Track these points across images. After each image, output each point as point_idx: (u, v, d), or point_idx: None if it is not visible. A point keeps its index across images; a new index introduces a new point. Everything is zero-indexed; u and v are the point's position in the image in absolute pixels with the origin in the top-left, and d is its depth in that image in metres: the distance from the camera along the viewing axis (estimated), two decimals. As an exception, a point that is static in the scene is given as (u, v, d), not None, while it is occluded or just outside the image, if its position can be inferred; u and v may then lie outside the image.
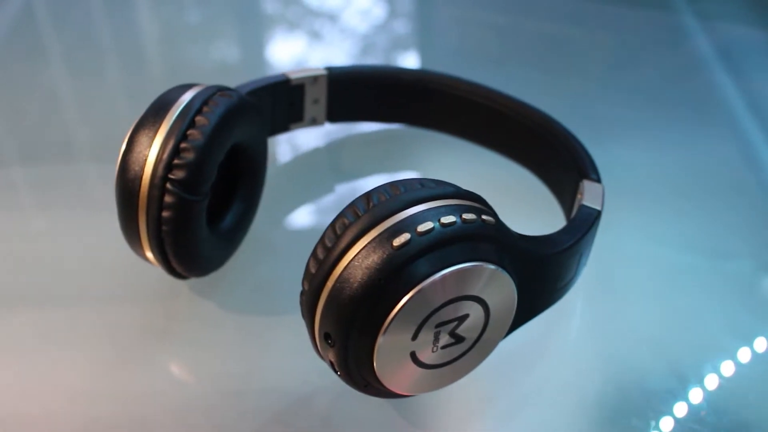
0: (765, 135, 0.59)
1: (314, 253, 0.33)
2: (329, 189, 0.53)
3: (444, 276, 0.31)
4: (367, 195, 0.33)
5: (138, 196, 0.37)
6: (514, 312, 0.35)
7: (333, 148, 0.55)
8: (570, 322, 0.42)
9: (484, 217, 0.33)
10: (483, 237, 0.33)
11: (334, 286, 0.32)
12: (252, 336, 0.42)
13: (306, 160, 0.54)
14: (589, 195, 0.41)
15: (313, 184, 0.53)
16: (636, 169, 0.54)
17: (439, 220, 0.32)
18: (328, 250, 0.32)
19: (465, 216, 0.32)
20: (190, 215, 0.38)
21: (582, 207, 0.40)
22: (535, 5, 0.80)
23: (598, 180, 0.42)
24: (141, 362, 0.41)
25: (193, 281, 0.44)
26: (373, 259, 0.31)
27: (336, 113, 0.52)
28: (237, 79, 0.47)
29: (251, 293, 0.44)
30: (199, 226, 0.39)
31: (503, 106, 0.48)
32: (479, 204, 0.34)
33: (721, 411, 0.39)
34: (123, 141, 0.39)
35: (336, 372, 0.34)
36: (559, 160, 0.45)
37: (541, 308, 0.38)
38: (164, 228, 0.37)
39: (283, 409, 0.38)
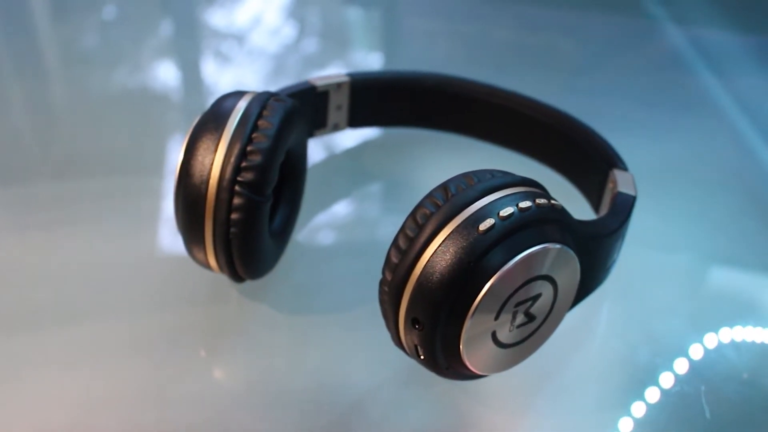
0: (754, 130, 0.64)
1: (395, 244, 0.35)
2: (348, 193, 0.54)
3: (524, 257, 0.34)
4: (444, 186, 0.35)
5: (205, 200, 0.38)
6: (576, 289, 0.38)
7: (354, 151, 0.57)
8: (611, 303, 0.45)
9: (552, 201, 0.35)
10: (552, 219, 0.35)
11: (422, 272, 0.33)
12: (309, 335, 0.43)
13: (326, 164, 0.56)
14: (621, 182, 0.44)
15: (334, 187, 0.54)
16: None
17: (517, 206, 0.34)
18: (411, 240, 0.34)
19: (538, 201, 0.35)
20: (257, 216, 0.39)
21: (619, 194, 0.43)
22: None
23: (626, 168, 0.45)
24: (203, 367, 0.42)
25: (238, 286, 0.45)
26: (461, 244, 0.33)
27: (357, 119, 0.54)
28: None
29: (297, 294, 0.46)
30: (264, 228, 0.40)
31: (522, 106, 0.51)
32: (542, 190, 0.36)
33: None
34: (180, 150, 0.40)
35: (418, 356, 0.35)
36: (584, 154, 0.48)
37: (592, 288, 0.41)
38: (233, 230, 0.39)
39: (356, 401, 0.40)
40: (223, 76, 0.68)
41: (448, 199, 0.35)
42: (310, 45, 0.75)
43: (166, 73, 0.67)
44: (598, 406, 0.40)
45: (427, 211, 0.34)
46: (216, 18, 0.78)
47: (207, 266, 0.41)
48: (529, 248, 0.34)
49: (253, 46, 0.72)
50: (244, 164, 0.38)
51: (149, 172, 0.55)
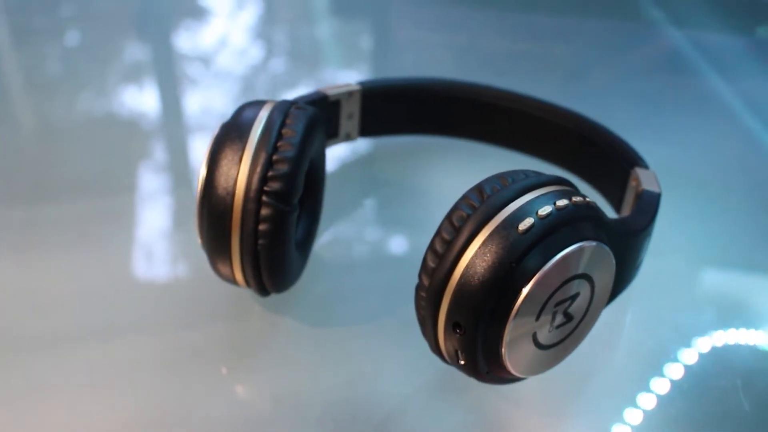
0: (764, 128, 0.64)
1: (432, 248, 0.34)
2: (361, 202, 0.54)
3: (564, 255, 0.33)
4: (479, 187, 0.35)
5: (231, 211, 0.38)
6: (611, 288, 0.37)
7: (365, 160, 0.56)
8: (636, 301, 0.45)
9: (587, 199, 0.35)
10: (588, 217, 0.35)
11: (462, 275, 0.33)
12: (336, 347, 0.42)
13: (337, 173, 0.55)
14: (645, 180, 0.43)
15: (347, 197, 0.54)
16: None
17: (554, 204, 0.34)
18: (449, 243, 0.34)
19: (574, 199, 0.34)
20: (285, 227, 0.38)
21: (644, 192, 0.42)
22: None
23: (647, 167, 0.45)
24: (230, 386, 0.41)
25: (259, 300, 0.44)
26: (502, 244, 0.33)
27: (369, 127, 0.53)
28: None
29: (320, 306, 0.45)
30: (291, 239, 0.39)
31: (536, 109, 0.51)
32: (575, 188, 0.36)
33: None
34: (203, 162, 0.39)
35: (458, 362, 0.35)
36: (603, 153, 0.48)
37: (624, 287, 0.41)
38: (261, 242, 0.38)
39: (391, 412, 0.39)
40: (191, 99, 0.67)
41: (483, 200, 0.34)
42: (279, 64, 0.74)
43: (133, 98, 0.66)
44: (637, 405, 0.40)
45: (464, 214, 0.34)
46: (181, 41, 0.77)
47: (232, 280, 0.41)
48: (569, 246, 0.33)
49: (219, 68, 0.72)
50: (270, 173, 0.37)
51: (135, 194, 0.54)
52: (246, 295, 0.44)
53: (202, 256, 0.48)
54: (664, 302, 0.46)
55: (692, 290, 0.47)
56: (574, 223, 0.34)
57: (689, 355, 0.42)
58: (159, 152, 0.59)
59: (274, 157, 0.38)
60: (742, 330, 0.44)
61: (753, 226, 0.53)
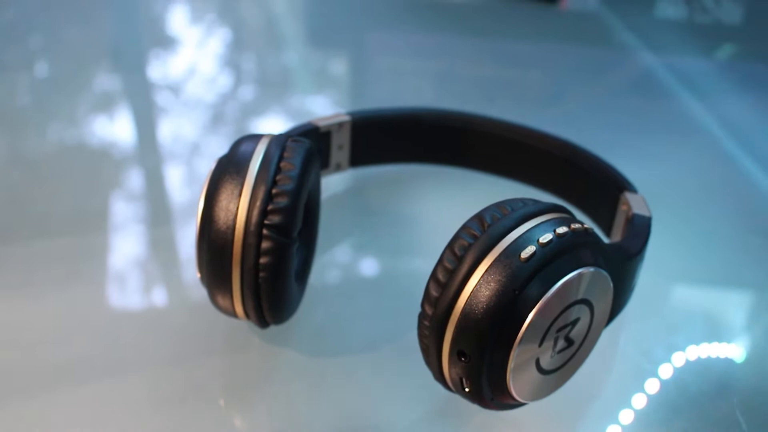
0: (739, 148, 0.66)
1: (434, 277, 0.35)
2: (352, 232, 0.54)
3: (565, 282, 0.34)
4: (479, 216, 0.35)
5: (232, 246, 0.38)
6: (609, 312, 0.38)
7: (354, 189, 0.56)
8: (629, 323, 0.46)
9: (585, 225, 0.36)
10: (587, 243, 0.35)
11: (467, 303, 0.33)
12: (336, 377, 0.42)
13: (327, 204, 0.56)
14: (635, 205, 0.44)
15: (337, 227, 0.54)
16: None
17: (554, 231, 0.34)
18: (451, 272, 0.34)
19: (573, 226, 0.35)
20: (286, 259, 0.38)
21: (635, 216, 0.43)
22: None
23: (636, 191, 0.46)
24: (231, 420, 0.40)
25: (258, 333, 0.44)
26: (505, 272, 0.33)
27: (359, 157, 0.54)
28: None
29: (319, 337, 0.45)
30: (292, 271, 0.40)
31: (525, 137, 0.52)
32: (572, 215, 0.37)
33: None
34: (200, 197, 0.39)
35: (463, 389, 0.35)
36: (591, 179, 0.49)
37: (620, 309, 0.41)
38: (262, 275, 0.38)
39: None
40: (161, 128, 0.67)
41: (485, 229, 0.35)
42: (248, 92, 0.75)
43: (103, 128, 0.66)
44: (640, 425, 0.41)
45: (465, 242, 0.34)
46: (150, 70, 0.77)
47: (231, 313, 0.41)
48: (569, 273, 0.34)
49: (189, 96, 0.72)
50: (270, 207, 0.38)
51: (111, 225, 0.54)
52: (242, 327, 0.44)
53: (191, 288, 0.48)
54: (655, 322, 0.47)
55: (683, 309, 0.48)
56: (574, 249, 0.35)
57: (684, 375, 0.43)
58: (133, 182, 0.59)
59: (274, 191, 0.38)
60: (736, 347, 0.45)
61: (739, 244, 0.54)
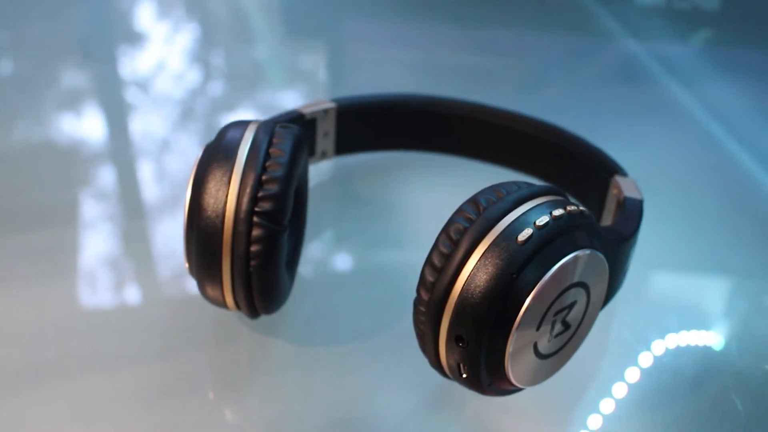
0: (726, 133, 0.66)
1: (430, 262, 0.34)
2: (339, 220, 0.53)
3: (562, 265, 0.33)
4: (474, 200, 0.35)
5: (221, 234, 0.37)
6: (604, 297, 0.38)
7: (340, 178, 0.56)
8: (621, 307, 0.45)
9: (580, 207, 0.35)
10: (583, 225, 0.35)
11: (464, 287, 0.33)
12: (328, 367, 0.42)
13: (313, 192, 0.55)
14: (626, 188, 0.44)
15: (324, 216, 0.53)
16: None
17: (550, 214, 0.34)
18: (447, 256, 0.34)
19: (569, 208, 0.35)
20: (277, 247, 0.38)
21: (626, 199, 0.43)
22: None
23: (626, 174, 0.46)
24: (223, 412, 0.40)
25: (247, 323, 0.43)
26: (502, 256, 0.33)
27: (345, 145, 0.53)
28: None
29: (309, 326, 0.44)
30: (283, 259, 0.39)
31: (511, 121, 0.52)
32: (567, 198, 0.36)
33: None
34: (187, 185, 0.38)
35: (460, 375, 0.35)
36: (581, 163, 0.48)
37: (614, 292, 0.41)
38: (253, 263, 0.37)
39: (392, 430, 0.39)
40: (130, 125, 0.65)
41: (480, 212, 0.34)
42: (218, 87, 0.73)
43: (71, 126, 0.64)
44: (636, 409, 0.40)
45: (461, 226, 0.34)
46: (118, 67, 0.75)
47: (221, 303, 0.40)
48: (566, 256, 0.33)
49: (158, 92, 0.70)
50: (260, 194, 0.37)
51: (82, 222, 0.53)
52: (230, 318, 0.43)
53: (174, 281, 0.47)
54: (647, 307, 0.47)
55: (674, 293, 0.48)
56: (570, 232, 0.34)
57: (680, 359, 0.43)
58: (104, 179, 0.58)
59: (264, 177, 0.37)
60: (727, 331, 0.45)
61: (727, 228, 0.54)
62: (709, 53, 0.82)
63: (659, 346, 0.44)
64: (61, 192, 0.56)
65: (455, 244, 0.34)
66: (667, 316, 0.46)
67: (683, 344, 0.44)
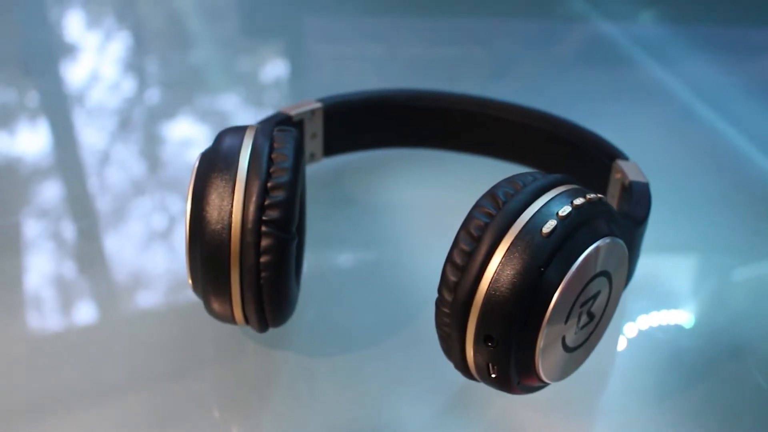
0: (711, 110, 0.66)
1: (451, 261, 0.33)
2: (333, 222, 0.52)
3: (588, 255, 0.32)
4: (492, 194, 0.34)
5: (229, 246, 0.35)
6: (624, 284, 0.37)
7: (328, 179, 0.54)
8: (631, 294, 0.45)
9: (598, 195, 0.35)
10: (602, 213, 0.34)
11: (490, 285, 0.32)
12: (342, 376, 0.40)
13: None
14: (630, 172, 0.43)
15: (316, 219, 0.52)
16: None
17: (572, 203, 0.33)
18: (469, 254, 0.32)
19: (588, 196, 0.34)
20: (287, 256, 0.36)
21: (633, 183, 0.42)
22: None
23: (627, 158, 0.45)
24: (233, 427, 0.38)
25: (252, 337, 0.42)
26: (528, 250, 0.32)
27: (333, 145, 0.52)
28: None
29: (316, 335, 0.43)
30: (293, 269, 0.37)
31: (501, 111, 0.50)
32: (581, 186, 0.36)
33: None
34: (187, 198, 0.36)
35: (489, 376, 0.34)
36: (579, 150, 0.48)
37: (630, 278, 0.40)
38: (264, 275, 0.36)
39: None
40: (66, 138, 0.62)
41: (500, 207, 0.33)
42: (154, 95, 0.70)
43: (4, 143, 0.61)
44: (660, 394, 0.40)
45: (481, 222, 0.33)
46: (51, 79, 0.71)
47: (229, 318, 0.38)
48: (591, 245, 0.33)
49: (93, 103, 0.67)
50: (267, 202, 0.35)
51: (28, 242, 0.50)
52: (236, 332, 0.42)
53: (168, 300, 0.45)
54: (659, 291, 0.46)
55: (683, 276, 0.48)
56: (592, 220, 0.33)
57: (698, 341, 0.43)
58: (47, 195, 0.55)
59: (269, 184, 0.36)
60: (741, 312, 0.44)
61: (728, 208, 0.54)
62: (683, 32, 0.82)
63: (674, 330, 0.43)
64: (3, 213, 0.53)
65: (477, 240, 0.33)
66: (680, 298, 0.46)
67: (697, 326, 0.44)
